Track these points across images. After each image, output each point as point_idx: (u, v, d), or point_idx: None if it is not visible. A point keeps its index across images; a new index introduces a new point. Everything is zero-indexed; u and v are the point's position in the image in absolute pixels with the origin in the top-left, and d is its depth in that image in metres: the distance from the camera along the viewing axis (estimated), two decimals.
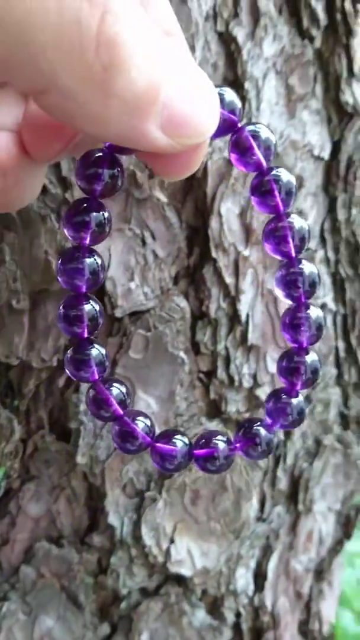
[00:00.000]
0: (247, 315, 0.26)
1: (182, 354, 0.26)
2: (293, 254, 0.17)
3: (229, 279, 0.26)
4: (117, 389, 0.18)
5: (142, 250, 0.25)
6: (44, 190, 0.24)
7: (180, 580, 0.28)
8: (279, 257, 0.18)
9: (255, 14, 0.25)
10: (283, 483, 0.30)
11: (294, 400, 0.19)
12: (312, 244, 0.29)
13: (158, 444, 0.19)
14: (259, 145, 0.17)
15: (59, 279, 0.17)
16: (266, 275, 0.27)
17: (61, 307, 0.17)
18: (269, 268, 0.27)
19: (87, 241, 0.17)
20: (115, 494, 0.26)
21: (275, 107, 0.26)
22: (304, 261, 0.18)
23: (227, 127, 0.17)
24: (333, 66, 0.27)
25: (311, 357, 0.19)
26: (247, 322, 0.26)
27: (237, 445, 0.19)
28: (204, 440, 0.19)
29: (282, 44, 0.26)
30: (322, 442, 0.30)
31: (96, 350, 0.18)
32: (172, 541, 0.27)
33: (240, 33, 0.25)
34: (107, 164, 0.17)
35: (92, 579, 0.27)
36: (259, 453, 0.19)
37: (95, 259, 0.17)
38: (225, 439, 0.19)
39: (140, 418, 0.19)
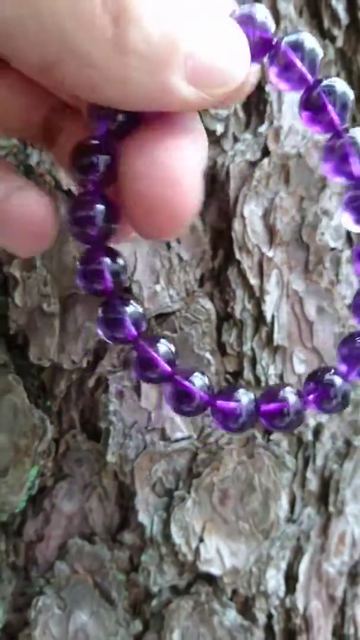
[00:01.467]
0: (273, 316, 0.26)
1: (208, 355, 0.26)
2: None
3: (253, 280, 0.26)
4: (164, 346, 0.16)
5: (167, 254, 0.25)
6: (71, 197, 0.25)
7: (210, 579, 0.28)
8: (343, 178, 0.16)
9: (276, 17, 0.25)
10: (313, 484, 0.30)
11: None
12: (339, 243, 0.29)
13: (219, 402, 0.17)
14: (302, 58, 0.15)
15: (70, 232, 0.16)
16: (291, 275, 0.27)
17: (78, 264, 0.16)
18: (294, 268, 0.27)
19: (95, 186, 0.15)
20: (145, 493, 0.27)
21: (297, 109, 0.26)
22: None
23: (262, 47, 0.15)
24: (356, 64, 0.27)
25: None
26: (272, 322, 0.26)
27: (309, 397, 0.17)
28: (270, 395, 0.17)
29: None
30: (352, 443, 0.30)
31: (131, 307, 0.16)
32: (201, 540, 0.27)
33: None
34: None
35: (124, 576, 0.28)
36: (333, 406, 0.17)
37: (105, 206, 0.15)
38: (295, 390, 0.17)
39: (197, 375, 0.17)
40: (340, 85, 0.15)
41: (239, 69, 0.14)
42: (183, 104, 0.14)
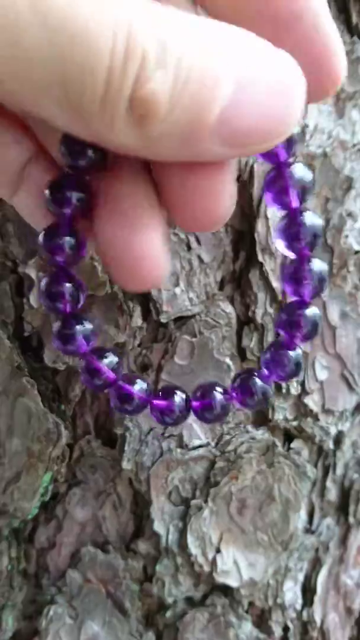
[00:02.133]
0: None
1: (227, 360, 0.25)
2: (293, 205, 0.17)
3: (275, 283, 0.25)
4: (107, 359, 0.19)
5: (187, 255, 0.25)
6: None
7: (226, 591, 0.27)
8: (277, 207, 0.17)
9: None
10: (332, 494, 0.29)
11: (292, 353, 0.19)
12: None
13: (155, 401, 0.20)
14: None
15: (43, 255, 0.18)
16: None
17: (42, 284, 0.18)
18: None
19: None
20: (161, 501, 0.26)
21: (323, 107, 0.25)
22: (305, 213, 0.17)
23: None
24: None
25: (312, 311, 0.18)
26: None
27: (234, 394, 0.20)
28: (200, 392, 0.20)
29: None
30: None
31: (81, 326, 0.19)
32: (218, 551, 0.26)
33: None
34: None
35: (138, 586, 0.27)
36: (254, 403, 0.20)
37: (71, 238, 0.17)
38: (222, 389, 0.20)
39: (138, 381, 0.20)
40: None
41: (288, 125, 0.13)
42: (215, 159, 0.14)
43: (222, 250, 0.25)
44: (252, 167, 0.24)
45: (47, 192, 0.17)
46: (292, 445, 0.27)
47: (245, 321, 0.26)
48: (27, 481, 0.26)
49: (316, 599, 0.30)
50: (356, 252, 0.27)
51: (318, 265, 0.18)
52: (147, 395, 0.20)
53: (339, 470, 0.29)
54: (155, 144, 0.13)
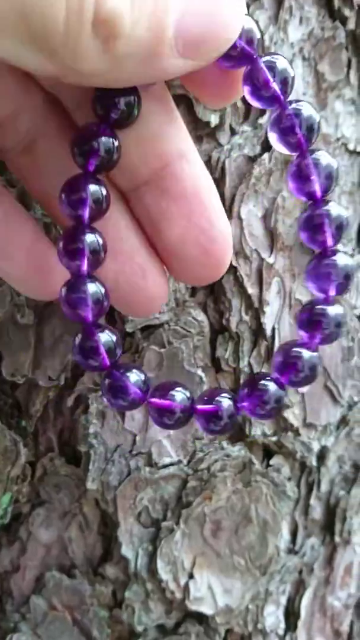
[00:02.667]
0: (273, 329, 0.24)
1: (199, 372, 0.23)
2: (319, 195, 0.17)
3: (251, 289, 0.23)
4: (106, 336, 0.17)
5: None
6: None
7: (201, 618, 0.25)
8: (303, 199, 0.17)
9: None
10: (317, 512, 0.27)
11: (306, 354, 0.17)
12: (348, 248, 0.26)
13: (153, 399, 0.18)
14: (274, 76, 0.16)
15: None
16: (294, 284, 0.24)
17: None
18: (297, 276, 0.24)
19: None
20: (129, 523, 0.24)
21: (303, 98, 0.23)
22: (331, 203, 0.17)
23: (242, 59, 0.16)
24: None
25: (335, 310, 0.17)
26: (272, 336, 0.24)
27: (244, 404, 0.18)
28: (207, 397, 0.18)
29: (309, 27, 0.23)
30: None
31: (94, 287, 0.17)
32: (191, 576, 0.24)
33: (261, 17, 0.23)
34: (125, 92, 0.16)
35: (107, 612, 0.26)
36: (267, 411, 0.18)
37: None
38: (230, 396, 0.18)
39: (134, 371, 0.18)
40: (307, 108, 0.16)
41: (232, 31, 0.14)
42: (174, 75, 0.15)
43: None
44: (223, 164, 0.22)
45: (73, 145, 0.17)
46: (272, 462, 0.25)
47: (219, 330, 0.24)
48: None
49: (300, 623, 0.28)
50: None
51: (344, 260, 0.17)
52: (144, 393, 0.18)
53: (324, 487, 0.27)
54: (120, 66, 0.14)
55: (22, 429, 0.24)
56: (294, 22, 0.23)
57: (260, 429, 0.25)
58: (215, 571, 0.25)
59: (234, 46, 0.15)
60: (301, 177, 0.16)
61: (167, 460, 0.24)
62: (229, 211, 0.22)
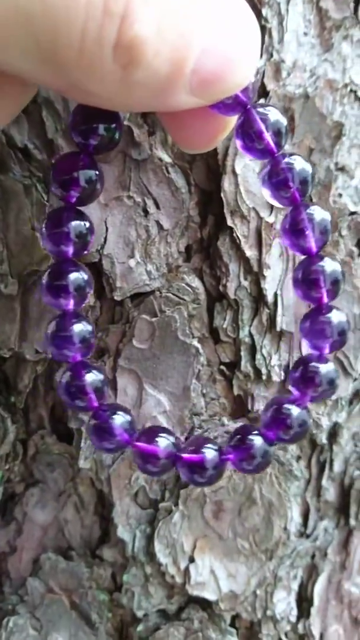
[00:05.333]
0: (275, 295, 0.22)
1: (195, 343, 0.22)
2: (314, 250, 0.17)
3: (249, 252, 0.21)
4: (92, 377, 0.17)
5: (143, 222, 0.21)
6: (28, 155, 0.21)
7: (205, 603, 0.24)
8: (298, 254, 0.17)
9: None
10: (330, 494, 0.26)
11: (294, 411, 0.17)
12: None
13: (138, 443, 0.17)
14: (267, 128, 0.16)
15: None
16: None
17: (45, 276, 0.17)
18: None
19: (74, 200, 0.16)
20: (125, 504, 0.23)
21: (304, 39, 0.21)
22: (326, 258, 0.17)
23: (235, 107, 0.16)
24: None
25: (328, 367, 0.17)
26: (274, 303, 0.22)
27: (230, 456, 0.17)
28: (193, 446, 0.18)
29: None
30: None
31: (80, 326, 0.17)
32: (191, 560, 0.23)
33: None
34: (104, 119, 0.16)
35: (108, 596, 0.25)
36: (254, 467, 0.17)
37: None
38: (216, 447, 0.18)
39: (120, 413, 0.18)
40: (300, 162, 0.16)
41: (246, 75, 0.14)
42: (177, 109, 0.14)
43: (185, 215, 0.21)
44: None
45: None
46: None
47: (217, 297, 0.22)
48: None
49: (313, 610, 0.26)
50: (352, 213, 0.23)
51: (338, 317, 0.17)
52: (130, 435, 0.18)
53: (338, 467, 0.25)
54: (132, 93, 0.13)
55: (10, 405, 0.23)
56: None
57: (263, 403, 0.23)
58: (218, 555, 0.23)
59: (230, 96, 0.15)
60: (295, 232, 0.17)
61: None
62: (222, 166, 0.21)
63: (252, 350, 0.22)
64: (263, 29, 0.21)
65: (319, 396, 0.17)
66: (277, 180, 0.16)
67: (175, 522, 0.23)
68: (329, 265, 0.17)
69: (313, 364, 0.17)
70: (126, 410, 0.18)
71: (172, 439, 0.18)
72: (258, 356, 0.22)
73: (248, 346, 0.22)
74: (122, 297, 0.21)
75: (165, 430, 0.18)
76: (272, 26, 0.21)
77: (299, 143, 0.21)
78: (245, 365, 0.22)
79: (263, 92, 0.21)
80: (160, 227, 0.21)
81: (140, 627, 0.24)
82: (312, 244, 0.16)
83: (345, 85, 0.22)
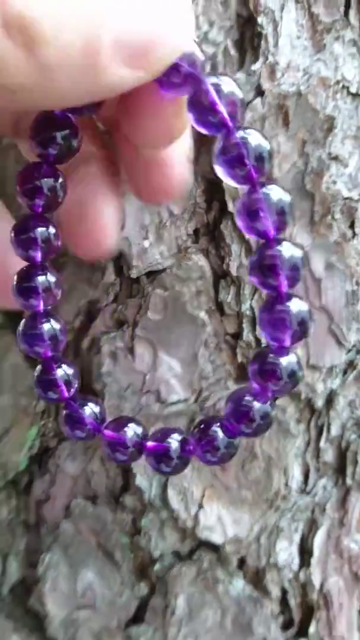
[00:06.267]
0: None
1: (202, 315, 0.25)
2: (272, 234, 0.15)
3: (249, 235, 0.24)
4: (62, 371, 0.18)
5: (156, 208, 0.24)
6: None
7: (213, 547, 0.27)
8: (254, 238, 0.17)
9: None
10: (329, 455, 0.28)
11: (256, 404, 0.17)
12: (355, 192, 0.26)
13: (106, 431, 0.18)
14: (221, 99, 0.14)
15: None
16: (294, 228, 0.25)
17: (15, 279, 0.17)
18: (297, 220, 0.25)
19: (40, 209, 0.16)
20: None
21: (297, 42, 0.24)
22: (284, 242, 0.15)
23: (186, 81, 0.14)
24: None
25: (289, 359, 0.16)
26: None
27: (191, 447, 0.18)
28: (159, 435, 0.18)
29: None
30: None
31: (49, 325, 0.17)
32: (200, 506, 0.26)
33: None
34: (57, 126, 0.15)
35: (129, 539, 0.28)
36: (218, 457, 0.18)
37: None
38: (180, 438, 0.18)
39: (90, 404, 0.19)
40: (256, 136, 0.15)
41: (179, 36, 0.13)
42: (119, 89, 0.13)
43: (192, 202, 0.24)
44: None
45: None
46: (277, 402, 0.26)
47: (222, 275, 0.25)
48: (16, 434, 0.27)
49: (313, 561, 0.29)
50: (345, 199, 0.25)
51: (298, 305, 0.16)
52: (99, 424, 0.18)
53: (335, 431, 0.28)
54: (50, 77, 0.12)
55: None
56: None
57: None
58: (225, 503, 0.26)
59: (176, 70, 0.14)
60: (250, 213, 0.15)
61: (174, 397, 0.26)
62: None
63: (253, 322, 0.25)
64: (259, 35, 0.23)
65: (281, 390, 0.17)
66: (232, 157, 0.15)
67: (186, 473, 0.26)
68: (288, 249, 0.15)
69: (272, 355, 0.16)
70: (96, 402, 0.19)
71: (139, 429, 0.18)
72: (258, 327, 0.25)
73: (249, 318, 0.25)
74: (138, 274, 0.24)
75: (133, 420, 0.18)
76: (267, 32, 0.23)
77: (292, 136, 0.24)
78: (247, 335, 0.25)
79: (259, 92, 0.23)
80: (170, 212, 0.24)
81: (157, 567, 0.28)
82: (268, 226, 0.15)
83: (338, 82, 0.25)
